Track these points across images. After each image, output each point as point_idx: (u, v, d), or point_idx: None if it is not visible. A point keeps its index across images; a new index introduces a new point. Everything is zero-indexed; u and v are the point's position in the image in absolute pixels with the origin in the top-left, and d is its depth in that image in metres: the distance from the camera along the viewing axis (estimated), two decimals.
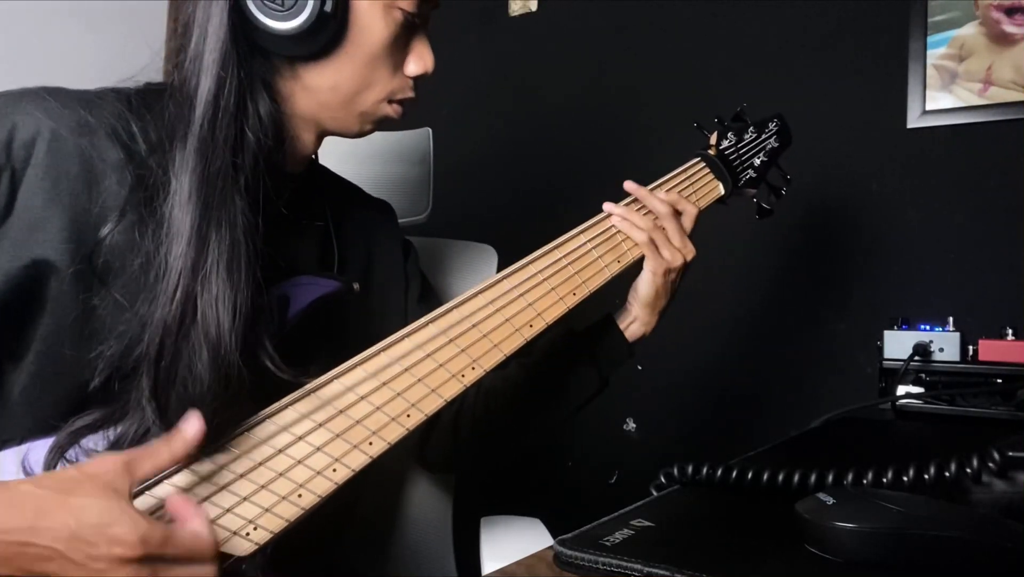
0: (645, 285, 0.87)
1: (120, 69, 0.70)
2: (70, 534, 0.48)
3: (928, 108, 1.33)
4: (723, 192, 0.93)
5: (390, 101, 0.75)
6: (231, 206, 0.63)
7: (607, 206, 0.85)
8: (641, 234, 0.84)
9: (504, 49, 1.79)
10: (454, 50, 1.79)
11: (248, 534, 0.61)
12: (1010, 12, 1.28)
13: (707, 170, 0.93)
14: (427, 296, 0.93)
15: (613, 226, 0.83)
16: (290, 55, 0.69)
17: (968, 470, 0.63)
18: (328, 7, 0.66)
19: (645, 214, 0.86)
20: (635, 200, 0.86)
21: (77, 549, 0.48)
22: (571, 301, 0.77)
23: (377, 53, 0.71)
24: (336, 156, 0.93)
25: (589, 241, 0.80)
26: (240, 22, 0.66)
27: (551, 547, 0.55)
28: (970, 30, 1.30)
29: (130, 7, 1.47)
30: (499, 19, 1.79)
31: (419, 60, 0.74)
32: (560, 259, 0.78)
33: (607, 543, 0.53)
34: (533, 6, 1.75)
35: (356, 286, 0.78)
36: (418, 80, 0.75)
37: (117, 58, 0.69)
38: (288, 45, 0.68)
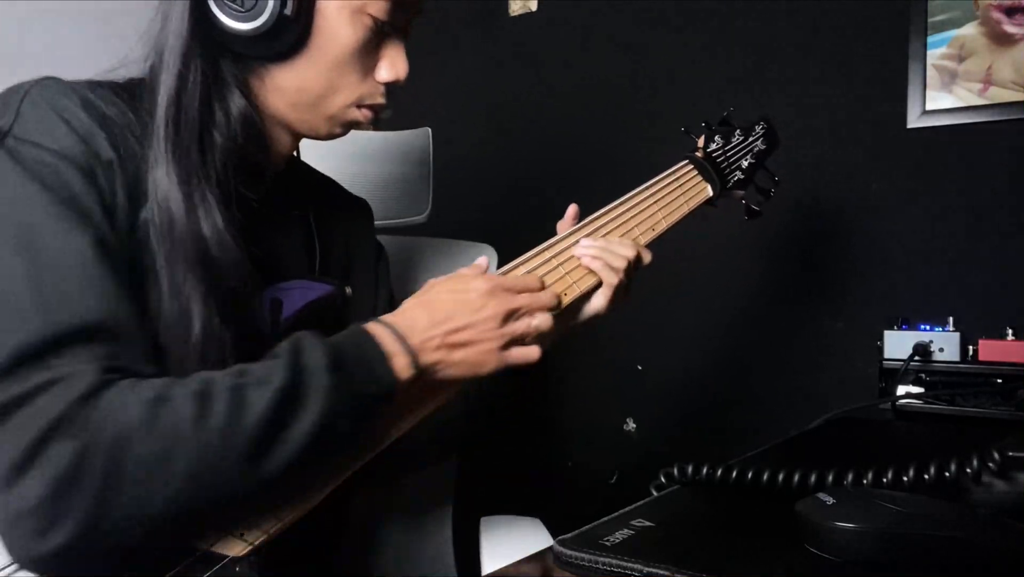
0: (596, 306, 0.80)
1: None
2: (467, 307, 0.66)
3: (928, 108, 1.33)
4: (711, 194, 0.94)
5: (359, 106, 0.73)
6: (205, 203, 0.63)
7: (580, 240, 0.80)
8: (613, 275, 0.79)
9: (504, 49, 1.79)
10: (454, 50, 1.79)
11: (242, 534, 0.60)
12: (1010, 12, 1.27)
13: (695, 172, 0.93)
14: (392, 305, 0.91)
15: (618, 228, 0.83)
16: (254, 55, 0.69)
17: (968, 470, 0.63)
18: (289, 10, 0.65)
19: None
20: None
21: (472, 313, 0.66)
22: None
23: (344, 58, 0.69)
24: (336, 156, 0.93)
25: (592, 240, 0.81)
26: (203, 19, 0.65)
27: (551, 547, 0.55)
28: (970, 30, 1.30)
29: (129, 7, 1.46)
30: (499, 19, 1.79)
31: (391, 67, 0.72)
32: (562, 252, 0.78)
33: (607, 543, 0.53)
34: (533, 6, 1.75)
35: (348, 291, 0.77)
36: (390, 86, 0.74)
37: (113, 57, 0.69)
38: (250, 45, 0.67)
